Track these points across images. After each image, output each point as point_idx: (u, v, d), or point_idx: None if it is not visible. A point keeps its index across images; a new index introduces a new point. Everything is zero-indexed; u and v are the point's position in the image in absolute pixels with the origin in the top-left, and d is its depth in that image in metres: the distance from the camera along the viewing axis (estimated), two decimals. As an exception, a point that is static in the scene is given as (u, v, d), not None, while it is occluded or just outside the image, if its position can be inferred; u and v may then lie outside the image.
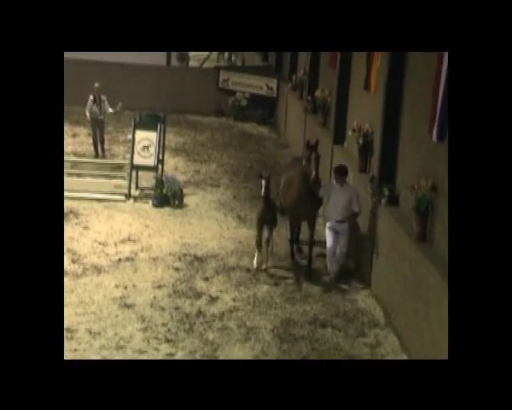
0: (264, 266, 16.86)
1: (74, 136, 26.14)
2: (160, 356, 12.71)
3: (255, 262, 16.88)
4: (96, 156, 23.64)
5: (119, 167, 21.46)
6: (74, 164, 23.00)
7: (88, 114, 23.72)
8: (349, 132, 18.88)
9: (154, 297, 14.93)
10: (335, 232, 16.76)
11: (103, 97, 23.58)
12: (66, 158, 21.19)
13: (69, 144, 23.86)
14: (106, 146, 24.75)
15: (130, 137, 21.52)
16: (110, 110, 23.75)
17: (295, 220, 17.94)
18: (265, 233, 17.42)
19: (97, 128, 23.69)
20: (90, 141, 24.69)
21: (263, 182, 16.85)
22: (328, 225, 17.00)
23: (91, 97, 23.41)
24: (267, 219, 17.28)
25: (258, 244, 17.02)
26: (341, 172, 16.88)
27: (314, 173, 16.30)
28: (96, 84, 23.68)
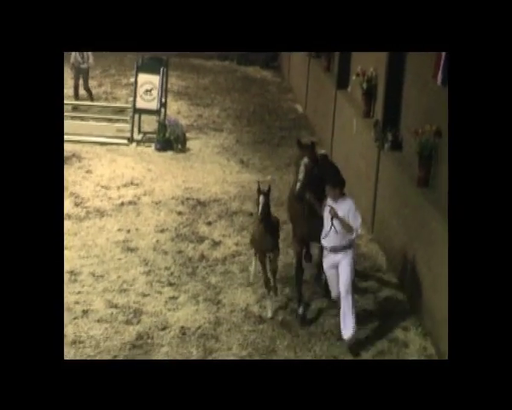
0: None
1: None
2: (162, 299, 12.81)
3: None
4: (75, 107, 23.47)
5: (122, 111, 21.48)
6: (76, 107, 22.96)
7: (71, 61, 23.43)
8: (353, 77, 18.69)
9: (157, 241, 15.02)
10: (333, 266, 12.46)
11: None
12: (67, 101, 21.18)
13: (70, 87, 23.76)
14: (108, 89, 24.78)
15: (132, 80, 21.44)
16: (92, 62, 23.70)
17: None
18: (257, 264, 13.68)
19: (80, 76, 23.65)
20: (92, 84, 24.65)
21: (261, 198, 12.57)
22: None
23: None
24: (267, 245, 12.91)
25: (267, 284, 12.93)
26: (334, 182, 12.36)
27: (298, 186, 12.28)
28: None
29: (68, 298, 12.47)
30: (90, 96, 23.69)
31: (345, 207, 12.06)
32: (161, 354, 11.34)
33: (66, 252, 13.81)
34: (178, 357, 11.27)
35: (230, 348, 11.55)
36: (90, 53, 23.27)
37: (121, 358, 11.19)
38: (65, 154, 18.79)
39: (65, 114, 21.55)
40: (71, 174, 17.51)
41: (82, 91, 23.71)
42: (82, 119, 21.48)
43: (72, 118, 21.53)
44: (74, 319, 12.28)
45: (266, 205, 12.70)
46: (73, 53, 23.00)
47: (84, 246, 14.58)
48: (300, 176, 12.34)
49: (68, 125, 19.63)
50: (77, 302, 12.64)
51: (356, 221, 12.03)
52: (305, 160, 12.39)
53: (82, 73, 23.49)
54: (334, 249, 12.19)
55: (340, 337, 12.01)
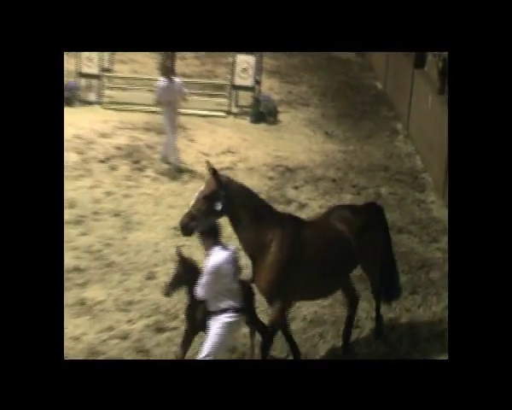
0: None
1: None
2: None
3: None
4: None
5: (221, 87, 21.70)
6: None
7: None
8: (429, 57, 18.83)
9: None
10: None
11: None
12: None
13: (180, 66, 24.09)
14: (209, 68, 25.19)
15: (231, 60, 21.72)
16: None
17: None
18: None
19: (163, 58, 23.71)
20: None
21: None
22: None
23: None
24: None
25: None
26: None
27: (183, 216, 9.62)
28: None
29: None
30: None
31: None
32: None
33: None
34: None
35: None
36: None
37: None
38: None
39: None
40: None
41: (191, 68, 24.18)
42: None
43: (112, 88, 21.92)
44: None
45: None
46: None
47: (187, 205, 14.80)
48: (190, 204, 9.62)
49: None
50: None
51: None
52: (203, 187, 9.62)
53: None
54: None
55: None
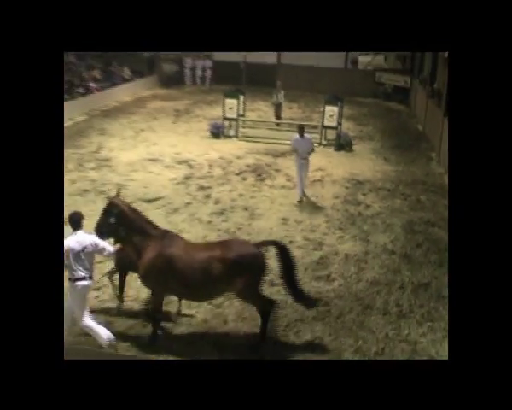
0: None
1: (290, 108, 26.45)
2: (335, 237, 13.07)
3: None
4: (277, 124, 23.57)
5: (315, 126, 21.66)
6: (279, 124, 23.36)
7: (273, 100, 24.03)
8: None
9: (333, 203, 15.34)
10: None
11: (282, 91, 23.65)
12: (273, 120, 21.57)
13: (288, 113, 24.13)
14: (307, 114, 25.12)
15: (321, 109, 21.69)
16: (282, 100, 23.84)
17: None
18: None
19: (276, 108, 23.86)
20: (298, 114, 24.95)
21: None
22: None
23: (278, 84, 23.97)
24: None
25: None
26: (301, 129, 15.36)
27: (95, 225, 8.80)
28: (278, 82, 24.07)
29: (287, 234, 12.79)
30: (279, 119, 23.89)
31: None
32: (333, 269, 11.54)
33: (284, 207, 14.15)
34: (342, 271, 11.43)
35: (373, 268, 11.64)
36: (283, 93, 23.62)
37: (309, 271, 11.50)
38: (279, 152, 19.19)
39: (271, 127, 22.06)
40: (285, 164, 17.82)
41: (297, 115, 24.15)
42: (287, 131, 21.75)
43: (278, 130, 21.89)
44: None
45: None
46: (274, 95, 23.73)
47: (293, 204, 14.81)
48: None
49: (277, 134, 20.09)
50: (286, 236, 12.91)
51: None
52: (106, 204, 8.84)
53: (278, 106, 23.69)
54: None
55: None
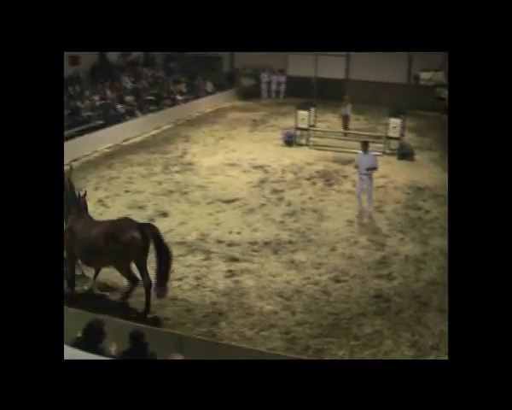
0: None
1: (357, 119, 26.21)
2: (395, 239, 12.92)
3: None
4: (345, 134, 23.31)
5: (379, 137, 21.40)
6: (346, 134, 23.09)
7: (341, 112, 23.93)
8: None
9: (395, 208, 15.13)
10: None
11: (349, 104, 23.50)
12: (340, 130, 21.45)
13: (354, 124, 23.96)
14: (372, 125, 24.83)
15: (386, 121, 21.43)
16: (349, 112, 23.61)
17: None
18: None
19: (344, 119, 23.67)
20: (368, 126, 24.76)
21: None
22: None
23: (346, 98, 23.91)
24: None
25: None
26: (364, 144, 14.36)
27: None
28: (346, 96, 24.05)
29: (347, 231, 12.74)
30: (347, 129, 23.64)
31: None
32: (394, 268, 11.46)
33: (349, 211, 14.04)
34: (402, 271, 11.32)
35: (431, 269, 11.53)
36: (350, 106, 23.46)
37: (372, 270, 11.47)
38: (346, 160, 19.10)
39: (339, 137, 21.90)
40: (352, 170, 17.71)
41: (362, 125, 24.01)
42: (354, 141, 21.62)
43: (346, 140, 21.78)
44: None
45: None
46: (342, 107, 23.58)
47: (356, 208, 14.75)
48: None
49: (346, 144, 20.01)
50: (351, 237, 12.80)
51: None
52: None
53: (345, 117, 23.50)
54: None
55: None
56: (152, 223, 10.28)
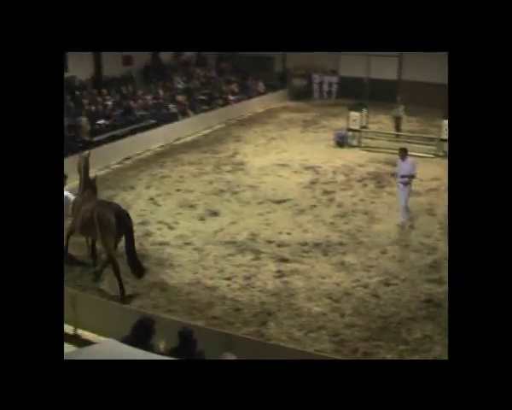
0: None
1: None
2: (446, 244, 12.67)
3: None
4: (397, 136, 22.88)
5: (432, 139, 21.06)
6: (398, 136, 22.74)
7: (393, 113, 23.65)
8: None
9: (444, 211, 14.81)
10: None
11: (402, 105, 23.18)
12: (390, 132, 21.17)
13: (407, 126, 23.68)
14: (424, 127, 24.46)
15: (438, 123, 21.07)
16: (402, 113, 23.24)
17: None
18: None
19: (396, 121, 23.31)
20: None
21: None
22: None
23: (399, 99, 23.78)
24: None
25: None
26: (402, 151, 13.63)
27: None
28: (398, 97, 23.84)
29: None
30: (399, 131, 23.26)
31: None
32: (445, 272, 11.26)
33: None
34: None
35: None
36: (402, 108, 23.07)
37: (422, 274, 11.31)
38: (395, 161, 18.84)
39: (391, 139, 21.63)
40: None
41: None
42: (406, 143, 21.32)
43: (398, 141, 21.46)
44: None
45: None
46: (394, 109, 23.30)
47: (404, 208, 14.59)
48: None
49: (398, 146, 19.72)
50: (402, 240, 12.64)
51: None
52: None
53: (397, 118, 23.19)
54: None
55: None
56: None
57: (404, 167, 13.68)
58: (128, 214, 10.64)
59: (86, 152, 11.88)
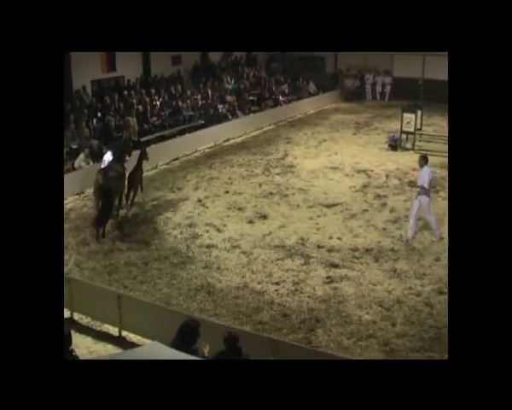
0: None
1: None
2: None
3: None
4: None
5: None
6: (421, 135, 22.19)
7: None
8: None
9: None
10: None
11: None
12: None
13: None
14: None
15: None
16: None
17: None
18: None
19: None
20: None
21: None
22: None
23: None
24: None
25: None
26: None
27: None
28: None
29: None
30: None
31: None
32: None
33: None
34: None
35: None
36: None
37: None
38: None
39: (446, 142, 21.11)
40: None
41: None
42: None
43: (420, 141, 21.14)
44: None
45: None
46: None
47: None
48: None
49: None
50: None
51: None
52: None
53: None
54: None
55: None
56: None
57: (419, 176, 13.03)
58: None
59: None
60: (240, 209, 15.01)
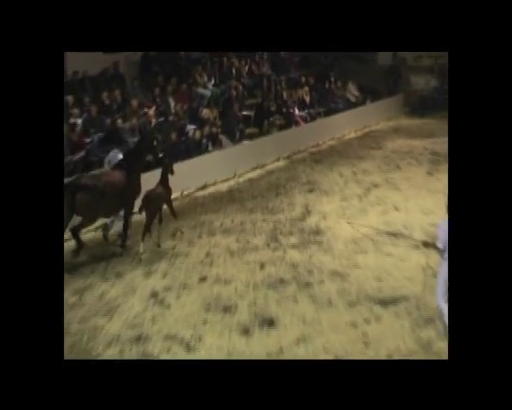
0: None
1: None
2: None
3: None
4: None
5: None
6: None
7: None
8: None
9: None
10: None
11: None
12: None
13: None
14: None
15: None
16: None
17: None
18: None
19: None
20: None
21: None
22: None
23: None
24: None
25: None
26: None
27: None
28: None
29: None
30: None
31: None
32: None
33: None
34: None
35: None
36: None
37: None
38: None
39: None
40: None
41: None
42: None
43: None
44: None
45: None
46: None
47: None
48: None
49: None
50: None
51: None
52: None
53: None
54: None
55: None
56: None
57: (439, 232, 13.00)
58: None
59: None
60: (226, 310, 14.71)
